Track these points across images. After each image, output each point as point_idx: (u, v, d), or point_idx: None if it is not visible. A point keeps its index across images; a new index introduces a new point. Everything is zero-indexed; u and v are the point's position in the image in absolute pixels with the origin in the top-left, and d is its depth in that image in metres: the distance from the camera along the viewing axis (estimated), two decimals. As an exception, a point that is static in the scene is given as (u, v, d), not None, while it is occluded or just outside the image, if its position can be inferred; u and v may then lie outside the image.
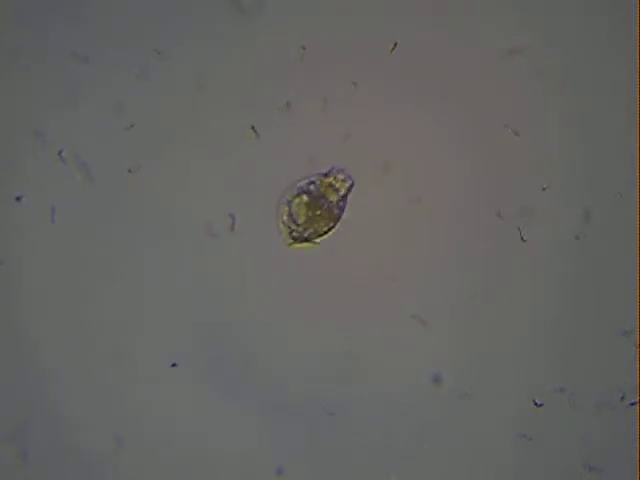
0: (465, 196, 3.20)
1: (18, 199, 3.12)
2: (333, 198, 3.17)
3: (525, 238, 3.16)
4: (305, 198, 3.17)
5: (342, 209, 3.18)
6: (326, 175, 3.18)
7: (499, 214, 3.18)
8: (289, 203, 3.17)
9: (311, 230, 3.18)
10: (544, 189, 3.18)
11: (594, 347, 3.19)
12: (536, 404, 3.17)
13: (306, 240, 3.19)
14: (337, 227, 3.18)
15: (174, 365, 3.15)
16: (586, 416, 3.19)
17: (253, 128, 2.86)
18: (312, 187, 3.18)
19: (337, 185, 3.17)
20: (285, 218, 3.18)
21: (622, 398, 3.14)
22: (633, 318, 3.17)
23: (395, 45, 2.93)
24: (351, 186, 3.17)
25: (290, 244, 3.19)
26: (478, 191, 3.20)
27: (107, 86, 3.15)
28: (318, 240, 3.17)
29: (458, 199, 3.20)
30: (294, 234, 3.18)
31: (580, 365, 3.19)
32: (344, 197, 3.17)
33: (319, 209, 3.17)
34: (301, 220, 3.17)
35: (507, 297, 3.20)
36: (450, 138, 3.20)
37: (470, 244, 3.19)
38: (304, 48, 3.10)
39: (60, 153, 3.07)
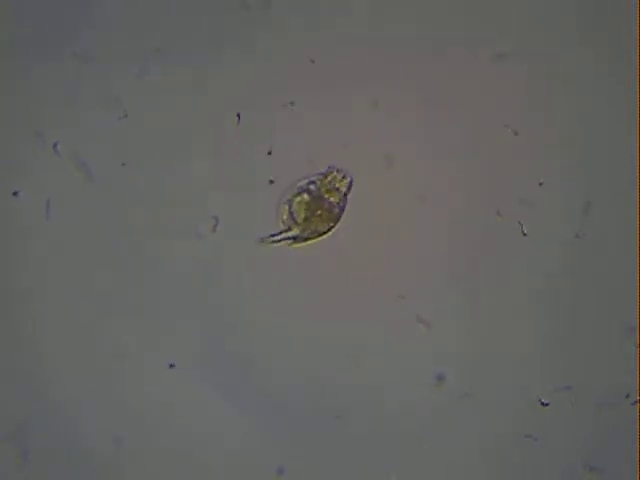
0: (465, 195, 3.21)
1: (15, 194, 3.12)
2: (333, 197, 3.17)
3: (526, 232, 3.16)
4: (306, 197, 3.17)
5: (342, 209, 3.18)
6: (325, 175, 3.18)
7: (499, 212, 3.18)
8: (289, 202, 3.17)
9: (310, 230, 3.18)
10: (541, 184, 3.19)
11: (594, 347, 3.19)
12: (542, 404, 3.17)
13: (306, 240, 3.19)
14: (337, 227, 3.18)
15: (172, 366, 3.15)
16: (586, 416, 3.18)
17: (238, 115, 2.86)
18: (312, 187, 3.18)
19: (337, 184, 3.17)
20: (285, 217, 3.18)
21: (627, 396, 3.14)
22: (633, 316, 3.17)
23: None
24: (351, 184, 3.17)
25: (290, 244, 3.19)
26: (478, 189, 3.20)
27: (107, 86, 3.16)
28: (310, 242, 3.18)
29: (458, 198, 3.20)
30: (294, 234, 3.18)
31: (580, 365, 3.19)
32: (344, 196, 3.17)
33: (319, 209, 3.17)
34: (301, 220, 3.17)
35: (508, 296, 3.20)
36: (450, 138, 3.21)
37: (471, 243, 3.20)
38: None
39: (55, 146, 3.07)
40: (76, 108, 3.15)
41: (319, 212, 3.17)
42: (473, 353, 3.19)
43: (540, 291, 3.20)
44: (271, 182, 2.99)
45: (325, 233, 3.18)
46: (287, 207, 3.17)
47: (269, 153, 2.93)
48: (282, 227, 3.18)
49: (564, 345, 3.19)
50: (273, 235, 3.17)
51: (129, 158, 3.17)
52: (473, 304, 3.19)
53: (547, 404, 3.16)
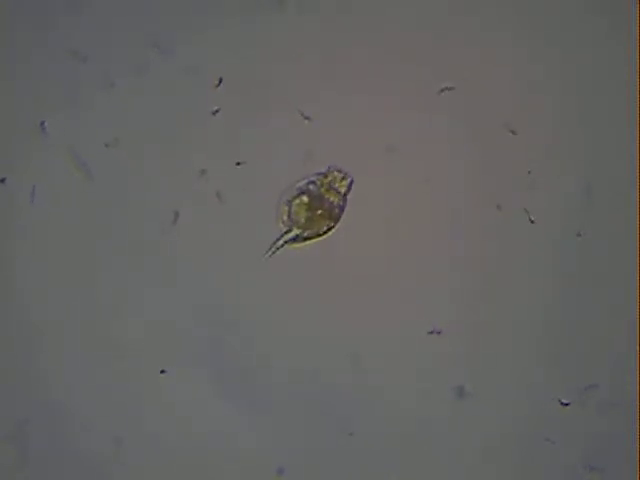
0: (465, 194, 3.21)
1: (2, 181, 3.12)
2: (333, 198, 3.17)
3: (533, 219, 3.17)
4: (305, 199, 3.17)
5: (342, 209, 3.18)
6: (326, 175, 3.18)
7: (499, 207, 3.19)
8: (289, 203, 3.17)
9: (311, 230, 3.18)
10: (529, 173, 3.19)
11: (595, 347, 3.19)
12: (562, 403, 3.16)
13: (306, 240, 3.19)
14: (337, 227, 3.18)
15: (163, 372, 3.15)
16: (586, 416, 3.18)
17: (220, 80, 2.85)
18: (312, 187, 3.18)
19: (337, 185, 3.17)
20: (285, 218, 3.18)
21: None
22: (633, 315, 3.17)
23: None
24: (351, 184, 3.17)
25: (290, 243, 3.19)
26: (478, 188, 3.21)
27: (107, 84, 3.16)
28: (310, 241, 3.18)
29: (458, 198, 3.21)
30: (294, 234, 3.18)
31: (579, 365, 3.19)
32: (344, 197, 3.17)
33: (319, 209, 3.17)
34: (301, 220, 3.17)
35: (509, 297, 3.20)
36: (450, 137, 3.21)
37: (472, 241, 3.20)
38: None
39: (42, 124, 3.08)
40: (76, 107, 3.15)
41: (319, 211, 3.17)
42: (473, 353, 3.19)
43: (539, 291, 3.20)
44: (215, 113, 2.94)
45: (325, 233, 3.18)
46: (287, 208, 3.17)
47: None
48: (282, 227, 3.18)
49: (564, 345, 3.19)
50: (275, 242, 3.17)
51: (129, 156, 3.17)
52: (473, 303, 3.19)
53: (567, 404, 3.16)
